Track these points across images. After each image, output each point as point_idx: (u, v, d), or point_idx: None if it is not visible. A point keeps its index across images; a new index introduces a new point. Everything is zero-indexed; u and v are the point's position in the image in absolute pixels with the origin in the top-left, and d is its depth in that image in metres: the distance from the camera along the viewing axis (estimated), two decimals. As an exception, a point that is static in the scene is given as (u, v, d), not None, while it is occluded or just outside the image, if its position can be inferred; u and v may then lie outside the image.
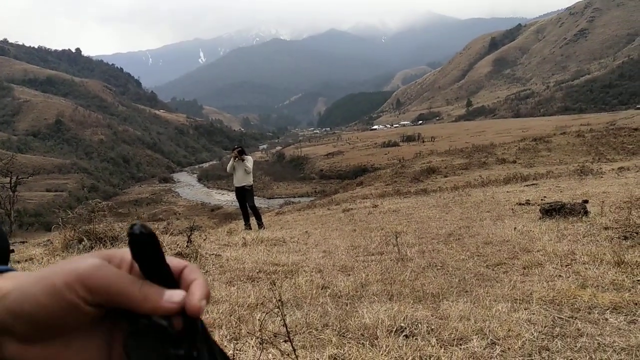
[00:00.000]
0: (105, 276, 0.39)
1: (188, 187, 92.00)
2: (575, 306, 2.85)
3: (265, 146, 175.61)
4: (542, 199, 8.79)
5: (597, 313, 2.71)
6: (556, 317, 2.69)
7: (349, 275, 4.09)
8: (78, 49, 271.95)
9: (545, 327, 2.55)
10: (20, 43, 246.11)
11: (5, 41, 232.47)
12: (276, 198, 60.81)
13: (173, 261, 0.44)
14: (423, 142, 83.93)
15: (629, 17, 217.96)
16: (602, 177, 13.89)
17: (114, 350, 0.42)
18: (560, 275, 3.53)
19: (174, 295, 0.40)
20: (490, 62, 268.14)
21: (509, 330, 2.48)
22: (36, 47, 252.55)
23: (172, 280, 0.42)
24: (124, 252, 0.43)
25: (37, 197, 69.90)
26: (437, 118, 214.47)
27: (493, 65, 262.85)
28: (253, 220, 9.87)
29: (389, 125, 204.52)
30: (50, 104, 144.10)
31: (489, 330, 2.49)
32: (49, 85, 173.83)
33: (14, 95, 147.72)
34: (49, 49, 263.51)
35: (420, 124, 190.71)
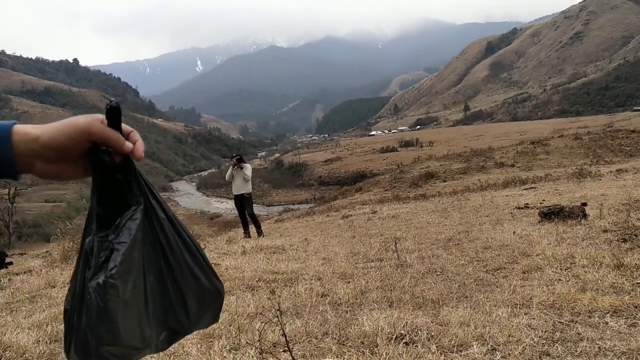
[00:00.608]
0: (100, 127, 0.71)
1: (187, 195, 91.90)
2: (576, 310, 2.84)
3: (263, 153, 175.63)
4: (540, 203, 8.79)
5: (598, 317, 2.70)
6: (556, 322, 2.68)
7: (349, 282, 4.08)
8: (75, 60, 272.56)
9: (545, 331, 2.55)
10: (18, 54, 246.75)
11: (2, 52, 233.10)
12: (275, 205, 60.74)
13: (125, 126, 0.75)
14: (421, 147, 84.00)
15: (623, 20, 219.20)
16: (600, 179, 13.92)
17: (88, 169, 0.74)
18: (560, 279, 3.53)
19: (130, 144, 0.73)
20: (486, 66, 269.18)
21: (509, 336, 2.47)
22: (34, 58, 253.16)
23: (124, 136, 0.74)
24: (103, 117, 0.73)
25: (36, 208, 69.81)
26: (435, 123, 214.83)
27: (490, 70, 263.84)
28: (252, 228, 9.86)
29: (387, 131, 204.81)
30: (49, 114, 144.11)
31: (489, 336, 2.48)
32: (47, 95, 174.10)
33: (11, 106, 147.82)
34: (46, 59, 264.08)
35: (418, 129, 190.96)
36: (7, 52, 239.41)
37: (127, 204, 0.73)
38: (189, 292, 0.79)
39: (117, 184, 0.73)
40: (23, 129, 0.70)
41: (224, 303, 0.84)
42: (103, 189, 0.73)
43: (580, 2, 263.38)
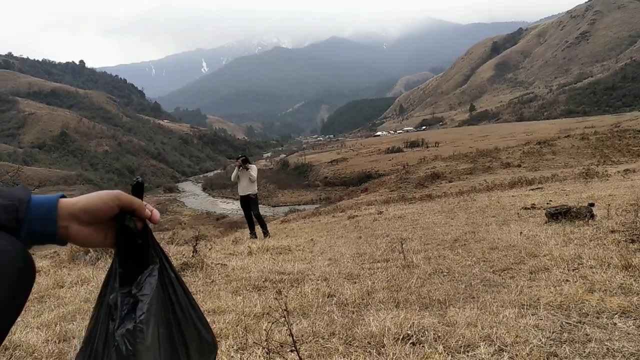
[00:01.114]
0: (128, 195, 0.85)
1: (193, 196, 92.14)
2: (583, 311, 2.83)
3: (269, 154, 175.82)
4: (547, 203, 8.76)
5: (606, 318, 2.69)
6: (564, 323, 2.67)
7: (355, 282, 4.08)
8: (82, 61, 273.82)
9: (553, 332, 2.54)
10: (25, 56, 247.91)
11: (9, 55, 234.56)
12: (281, 206, 60.78)
13: (144, 201, 0.88)
14: (427, 147, 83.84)
15: (630, 19, 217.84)
16: (607, 179, 13.84)
17: (111, 238, 0.86)
18: (567, 280, 3.51)
19: (148, 211, 0.86)
20: (492, 66, 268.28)
21: (516, 337, 2.47)
22: (40, 60, 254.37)
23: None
24: (128, 192, 0.86)
25: (43, 209, 69.99)
26: (441, 123, 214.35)
27: (495, 70, 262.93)
28: (258, 229, 9.88)
29: (392, 132, 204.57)
30: (55, 116, 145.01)
31: (497, 337, 2.48)
32: (54, 97, 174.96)
33: (19, 108, 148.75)
34: (53, 61, 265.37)
35: (424, 129, 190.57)
36: (15, 55, 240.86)
37: (146, 264, 0.86)
38: (192, 344, 0.89)
39: (138, 248, 0.86)
40: (67, 199, 0.83)
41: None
42: (125, 253, 0.86)
43: (586, 2, 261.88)
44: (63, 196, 0.85)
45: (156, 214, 0.89)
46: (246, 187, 9.66)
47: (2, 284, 0.71)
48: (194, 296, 0.93)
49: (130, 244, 0.86)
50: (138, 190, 0.89)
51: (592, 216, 6.08)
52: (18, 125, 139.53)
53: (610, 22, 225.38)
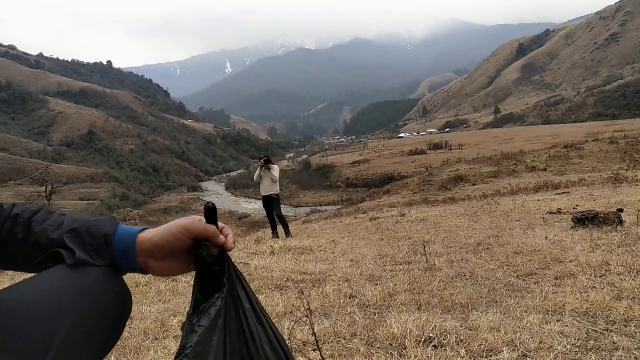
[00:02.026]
0: (199, 224, 0.84)
1: (216, 195, 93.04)
2: (610, 318, 2.77)
3: (291, 155, 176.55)
4: (574, 208, 8.60)
5: (634, 326, 2.63)
6: (590, 330, 2.62)
7: (377, 284, 4.07)
8: (109, 62, 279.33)
9: (578, 339, 2.50)
10: (55, 57, 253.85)
11: (40, 55, 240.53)
12: (303, 206, 60.95)
13: (219, 223, 0.88)
14: (450, 149, 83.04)
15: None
16: (637, 185, 13.50)
17: (191, 264, 0.86)
18: (594, 287, 3.45)
19: (223, 237, 0.86)
20: (518, 68, 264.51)
21: (540, 342, 2.43)
22: (69, 60, 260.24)
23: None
24: (201, 217, 0.87)
25: (71, 205, 71.68)
26: (465, 125, 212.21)
27: (521, 72, 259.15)
28: (280, 229, 9.93)
29: (415, 133, 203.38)
30: (83, 114, 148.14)
31: (520, 342, 2.45)
32: (82, 96, 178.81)
33: (48, 107, 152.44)
34: (81, 61, 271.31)
35: (447, 131, 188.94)
36: (45, 55, 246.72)
37: (214, 293, 0.84)
38: None
39: (215, 274, 0.85)
40: (144, 234, 0.85)
41: None
42: (203, 280, 0.85)
43: (616, 3, 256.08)
44: (145, 228, 0.87)
45: (230, 240, 0.88)
46: (268, 187, 9.73)
47: (107, 324, 0.75)
48: None
49: (207, 271, 0.85)
50: (210, 215, 0.87)
51: (621, 222, 5.95)
52: (48, 124, 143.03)
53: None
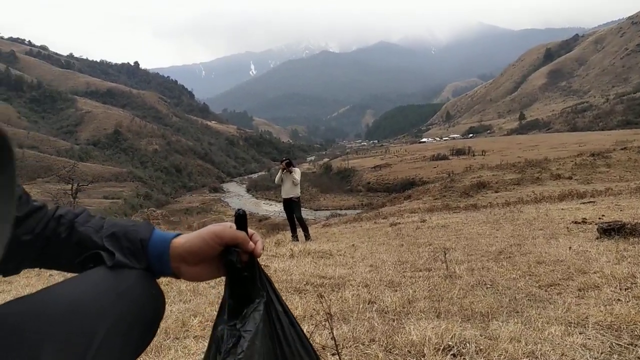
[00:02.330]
0: (230, 231, 0.88)
1: (237, 197, 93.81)
2: (636, 333, 2.72)
3: (312, 158, 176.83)
4: (600, 218, 8.43)
5: (659, 341, 2.58)
6: (614, 343, 2.58)
7: (396, 290, 4.06)
8: (136, 62, 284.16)
9: (601, 353, 2.45)
10: (84, 57, 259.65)
11: (70, 55, 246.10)
12: (323, 210, 60.99)
13: (249, 230, 0.91)
14: (473, 155, 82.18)
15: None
16: (666, 195, 13.19)
17: (222, 270, 0.90)
18: (619, 299, 3.38)
19: (252, 244, 0.89)
20: (544, 74, 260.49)
21: (562, 355, 2.40)
22: (98, 61, 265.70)
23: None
24: (232, 224, 0.91)
25: (95, 203, 73.10)
26: (488, 131, 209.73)
27: (548, 77, 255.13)
28: (300, 232, 9.97)
29: (438, 138, 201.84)
30: (110, 114, 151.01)
31: (541, 354, 2.42)
32: (109, 97, 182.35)
33: (77, 106, 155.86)
34: (110, 62, 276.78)
35: (471, 137, 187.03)
36: (75, 55, 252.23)
37: (252, 297, 0.88)
38: None
39: (245, 280, 0.88)
40: (177, 240, 0.89)
41: None
42: (234, 285, 0.88)
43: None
44: (178, 234, 0.91)
45: (259, 246, 0.91)
46: (289, 190, 9.78)
47: (143, 326, 0.80)
48: None
49: (237, 277, 0.88)
50: (241, 222, 0.90)
51: (648, 233, 5.81)
52: (76, 123, 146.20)
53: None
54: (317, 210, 62.01)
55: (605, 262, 4.57)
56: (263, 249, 0.93)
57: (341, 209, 56.31)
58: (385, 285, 4.28)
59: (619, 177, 27.09)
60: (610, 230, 6.12)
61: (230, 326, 0.84)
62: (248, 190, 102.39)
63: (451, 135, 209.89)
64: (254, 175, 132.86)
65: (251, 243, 0.90)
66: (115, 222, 0.91)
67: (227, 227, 0.90)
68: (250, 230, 0.92)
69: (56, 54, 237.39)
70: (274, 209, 62.58)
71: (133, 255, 0.85)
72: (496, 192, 26.86)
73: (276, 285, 3.45)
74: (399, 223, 11.66)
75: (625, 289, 3.63)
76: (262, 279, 0.90)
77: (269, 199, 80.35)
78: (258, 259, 0.92)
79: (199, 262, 0.89)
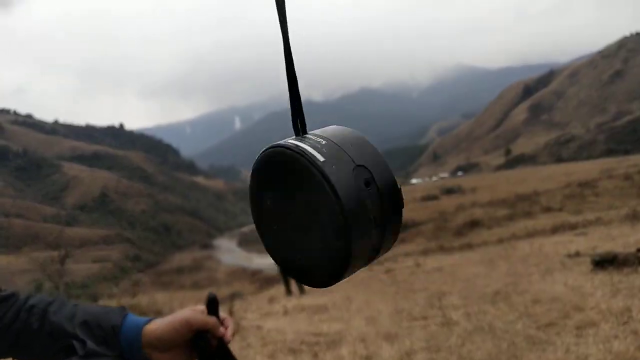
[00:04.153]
0: (199, 317, 0.87)
1: (228, 252, 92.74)
2: (636, 371, 2.67)
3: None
4: (593, 249, 8.42)
5: (661, 379, 2.53)
6: (616, 385, 2.52)
7: (393, 343, 3.98)
8: (121, 124, 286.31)
9: (604, 397, 2.40)
10: (69, 122, 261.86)
11: (56, 122, 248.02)
12: (317, 258, 60.28)
13: (222, 314, 0.91)
14: (464, 193, 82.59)
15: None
16: (655, 221, 13.26)
17: (193, 356, 0.89)
18: (616, 336, 3.33)
19: (223, 329, 0.89)
20: (525, 108, 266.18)
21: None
22: (83, 125, 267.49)
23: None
24: (203, 307, 0.91)
25: (84, 268, 71.69)
26: (476, 168, 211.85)
27: (529, 112, 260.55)
28: (295, 284, 9.82)
29: (427, 179, 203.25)
30: (96, 177, 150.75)
31: (544, 403, 2.35)
32: (95, 160, 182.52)
33: (62, 171, 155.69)
34: (94, 125, 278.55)
35: (460, 175, 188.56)
36: (60, 121, 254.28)
37: None
38: None
39: None
40: (149, 327, 0.89)
41: None
42: None
43: (617, 41, 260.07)
44: (151, 319, 0.91)
45: (229, 332, 0.92)
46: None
47: None
48: None
49: None
50: (212, 306, 0.90)
51: (641, 263, 5.80)
52: (62, 188, 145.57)
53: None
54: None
55: (600, 297, 4.53)
56: (234, 334, 0.93)
57: (335, 257, 55.69)
58: (382, 338, 4.19)
59: (608, 206, 27.24)
60: (604, 262, 6.10)
61: None
62: (239, 245, 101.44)
63: (440, 175, 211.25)
64: (245, 229, 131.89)
65: (222, 328, 0.90)
66: (88, 309, 0.90)
67: (198, 312, 0.89)
68: (222, 315, 0.92)
69: (41, 121, 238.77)
70: (267, 262, 61.74)
71: (105, 343, 0.84)
72: (489, 229, 26.85)
73: (270, 346, 3.41)
74: (394, 269, 11.55)
75: (623, 323, 3.59)
76: None
77: (261, 252, 79.22)
78: (229, 345, 0.92)
79: (171, 348, 0.88)
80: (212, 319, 0.89)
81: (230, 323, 0.93)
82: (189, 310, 0.90)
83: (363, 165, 0.60)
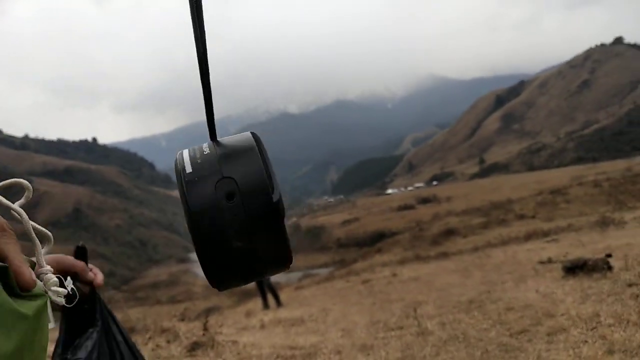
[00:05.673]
0: (68, 258, 0.84)
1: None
2: (604, 375, 2.73)
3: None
4: (564, 256, 8.60)
5: (628, 382, 2.59)
6: (585, 390, 2.57)
7: (369, 355, 3.98)
8: (94, 138, 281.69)
9: (573, 402, 2.44)
10: (40, 137, 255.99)
11: (26, 137, 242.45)
12: (295, 271, 59.99)
13: (90, 265, 0.89)
14: (439, 202, 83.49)
15: (629, 65, 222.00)
16: (624, 227, 13.61)
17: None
18: (585, 341, 3.41)
19: (92, 274, 0.87)
20: (498, 118, 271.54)
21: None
22: (55, 140, 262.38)
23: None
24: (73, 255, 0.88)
25: (58, 286, 69.94)
26: (451, 178, 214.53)
27: (501, 122, 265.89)
28: (272, 298, 9.76)
29: (403, 189, 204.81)
30: (68, 193, 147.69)
31: (515, 410, 2.39)
32: (68, 175, 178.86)
33: (33, 187, 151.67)
34: (67, 140, 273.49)
35: (435, 184, 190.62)
36: (30, 136, 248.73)
37: (86, 328, 0.85)
38: None
39: (84, 312, 0.85)
40: None
41: None
42: (71, 318, 0.86)
43: (583, 52, 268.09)
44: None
45: (99, 277, 0.90)
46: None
47: None
48: None
49: (76, 309, 0.81)
50: (81, 254, 0.89)
51: (610, 268, 5.94)
52: (33, 205, 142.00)
53: (610, 70, 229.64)
54: (288, 272, 61.00)
55: (570, 303, 4.62)
56: (103, 279, 0.91)
57: (313, 268, 55.51)
58: (358, 350, 4.19)
59: (579, 212, 27.87)
60: (574, 268, 6.24)
61: (62, 358, 0.81)
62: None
63: (416, 185, 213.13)
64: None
65: (90, 273, 0.88)
66: None
67: (68, 257, 0.87)
68: (90, 265, 0.90)
69: (10, 136, 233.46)
70: (246, 275, 61.12)
71: None
72: (464, 237, 27.15)
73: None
74: (371, 280, 11.57)
75: (592, 328, 3.67)
76: (102, 311, 0.88)
77: (239, 265, 78.68)
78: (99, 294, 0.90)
79: None
80: (80, 262, 0.87)
81: (99, 271, 0.91)
82: (60, 255, 0.87)
83: (230, 177, 0.56)
